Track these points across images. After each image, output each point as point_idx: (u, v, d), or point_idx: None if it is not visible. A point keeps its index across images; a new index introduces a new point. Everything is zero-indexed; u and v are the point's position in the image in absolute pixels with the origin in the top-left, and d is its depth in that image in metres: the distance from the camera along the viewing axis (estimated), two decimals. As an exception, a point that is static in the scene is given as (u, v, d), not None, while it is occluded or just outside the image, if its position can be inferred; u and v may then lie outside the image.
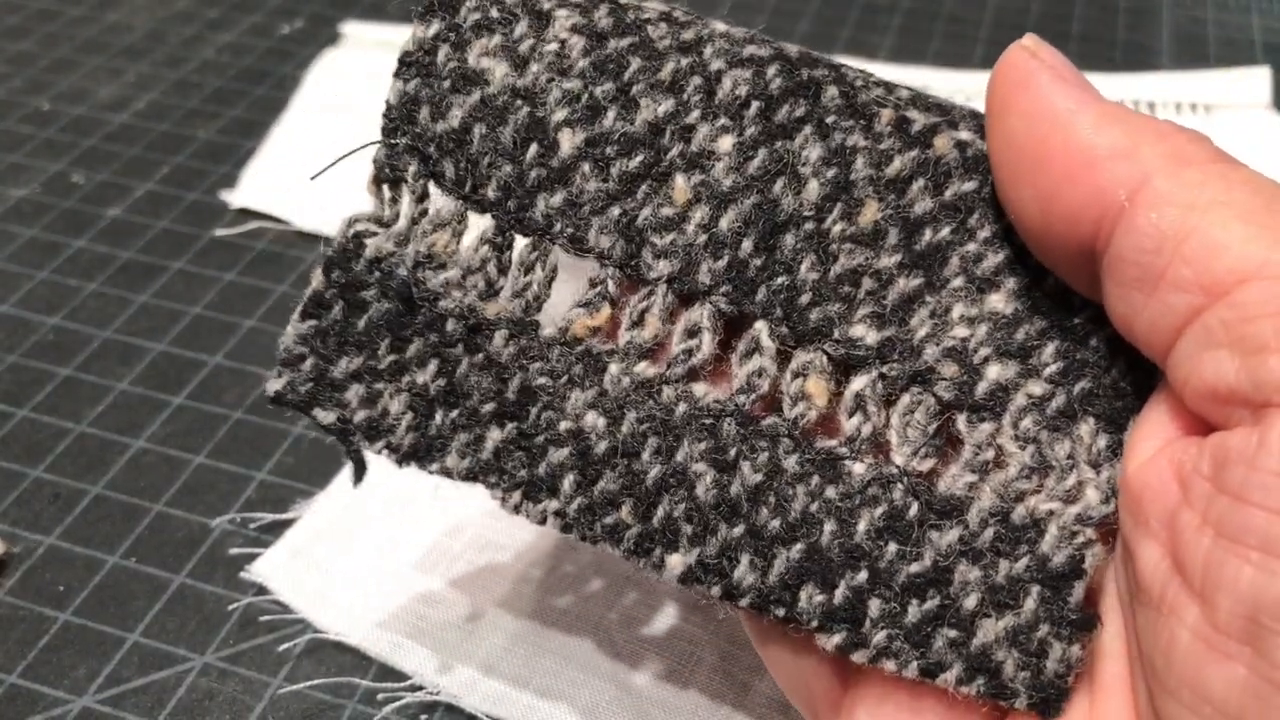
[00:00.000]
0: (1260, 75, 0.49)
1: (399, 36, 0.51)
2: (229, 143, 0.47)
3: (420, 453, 0.22)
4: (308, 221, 0.43)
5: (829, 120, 0.21)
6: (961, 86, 0.49)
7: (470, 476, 0.22)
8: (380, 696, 0.28)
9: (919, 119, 0.21)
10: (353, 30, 0.53)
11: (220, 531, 0.32)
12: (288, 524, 0.32)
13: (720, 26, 0.22)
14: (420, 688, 0.28)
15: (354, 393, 0.22)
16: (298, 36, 0.54)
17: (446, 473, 0.22)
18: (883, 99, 0.21)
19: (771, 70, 0.21)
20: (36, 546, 0.31)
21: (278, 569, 0.30)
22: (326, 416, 0.22)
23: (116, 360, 0.37)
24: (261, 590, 0.30)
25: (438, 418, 0.22)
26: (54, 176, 0.45)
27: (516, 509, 0.21)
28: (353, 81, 0.50)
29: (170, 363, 0.37)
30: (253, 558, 0.31)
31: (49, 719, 0.27)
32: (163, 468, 0.33)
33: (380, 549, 0.31)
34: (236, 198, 0.44)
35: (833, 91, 0.21)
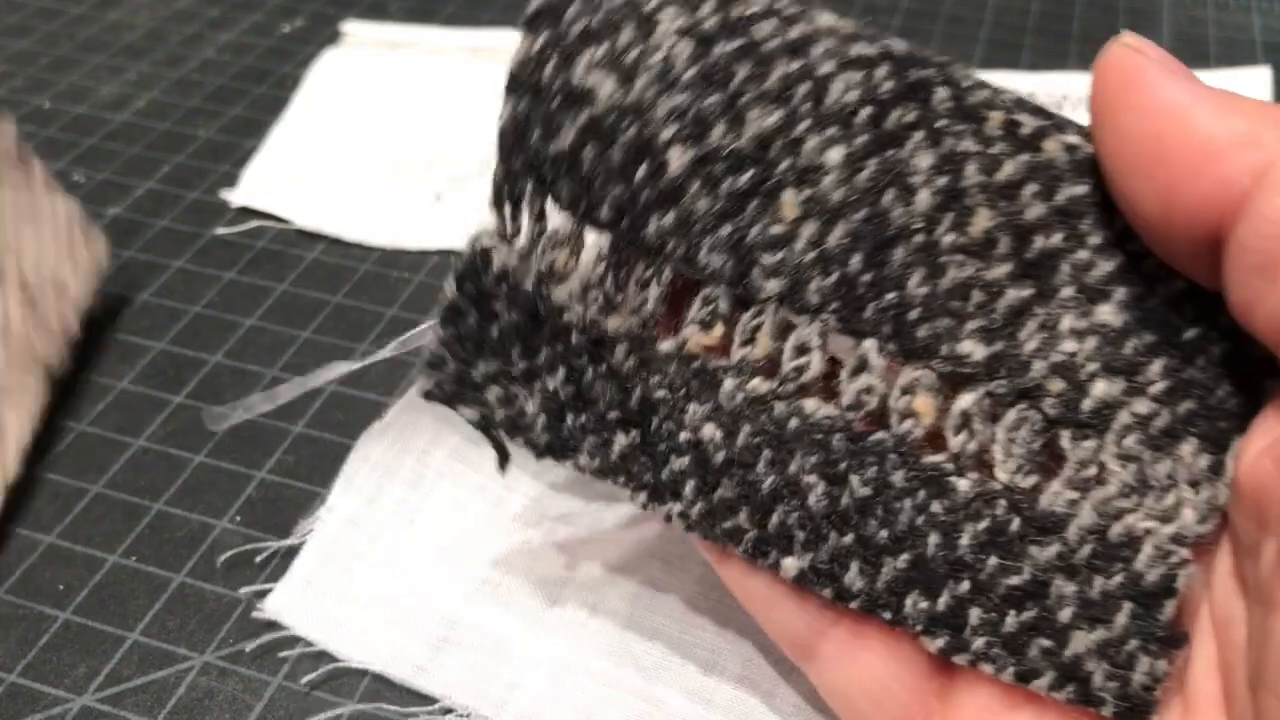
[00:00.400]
0: (1261, 75, 0.49)
1: (400, 35, 0.51)
2: (230, 142, 0.47)
3: (556, 449, 0.23)
4: (309, 220, 0.43)
5: (939, 125, 0.21)
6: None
7: (601, 475, 0.23)
8: None
9: (1028, 121, 0.21)
10: (354, 29, 0.53)
11: (221, 530, 0.32)
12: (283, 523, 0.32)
13: (826, 21, 0.21)
14: (450, 710, 0.27)
15: (493, 393, 0.23)
16: (298, 35, 0.54)
17: (580, 470, 0.23)
18: (991, 101, 0.21)
19: (880, 72, 0.21)
20: (37, 545, 0.31)
21: (290, 604, 0.30)
22: (470, 414, 0.24)
23: (117, 359, 0.37)
24: (262, 592, 0.30)
25: (569, 420, 0.23)
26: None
27: (644, 507, 0.23)
28: (354, 80, 0.50)
29: (170, 362, 0.37)
30: (256, 580, 0.31)
31: (48, 718, 0.27)
32: (163, 467, 0.33)
33: (392, 567, 0.30)
34: (237, 196, 0.44)
35: (942, 94, 0.21)
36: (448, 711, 0.28)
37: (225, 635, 0.29)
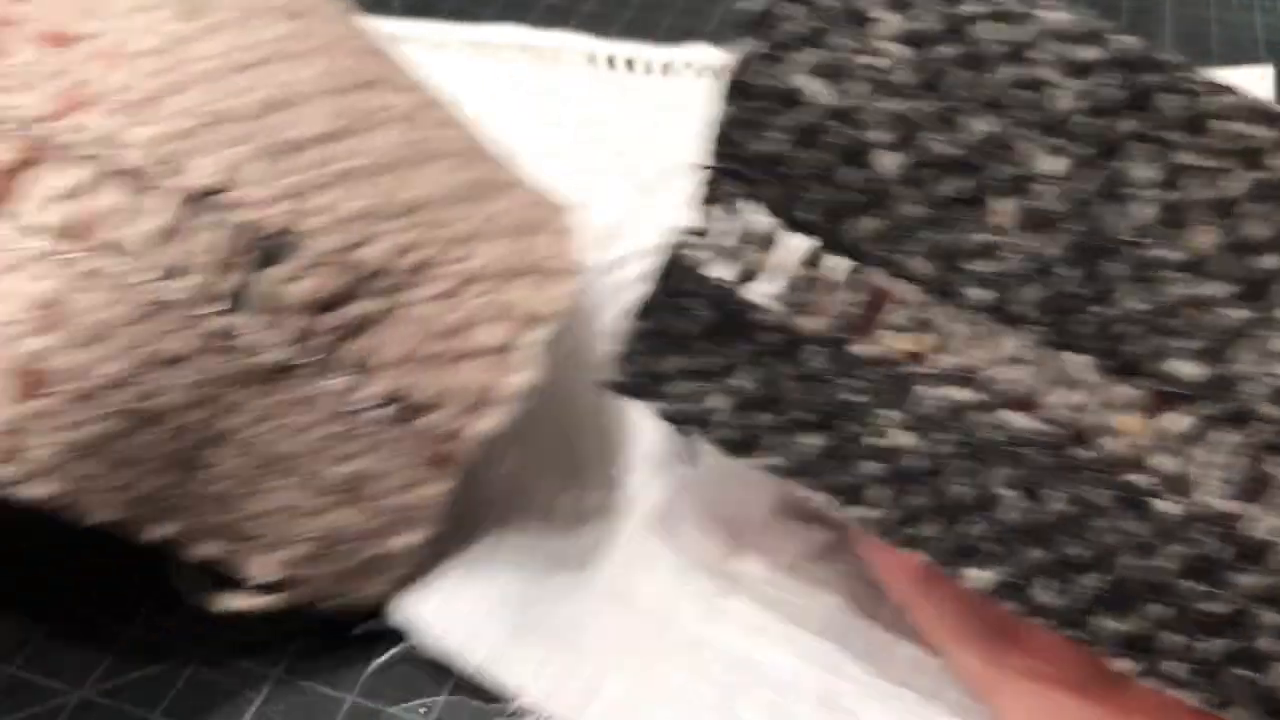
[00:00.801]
0: (1264, 74, 0.49)
1: (401, 30, 0.51)
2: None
3: (742, 447, 0.23)
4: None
5: (1164, 136, 0.20)
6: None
7: (788, 475, 0.22)
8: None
9: (1259, 135, 0.20)
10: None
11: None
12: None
13: (1051, 19, 0.21)
14: (524, 712, 0.27)
15: (682, 389, 0.23)
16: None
17: (766, 469, 0.23)
18: (1221, 109, 0.20)
19: (1106, 79, 0.20)
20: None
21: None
22: (657, 408, 0.24)
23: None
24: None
25: (757, 419, 0.23)
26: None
27: (832, 510, 0.22)
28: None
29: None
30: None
31: (47, 709, 0.27)
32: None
33: (475, 564, 0.29)
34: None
35: (1170, 102, 0.20)
36: (525, 714, 0.27)
37: (225, 629, 0.29)
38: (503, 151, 0.30)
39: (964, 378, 0.22)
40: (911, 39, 0.21)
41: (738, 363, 0.23)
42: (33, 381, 0.23)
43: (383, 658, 0.28)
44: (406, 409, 0.26)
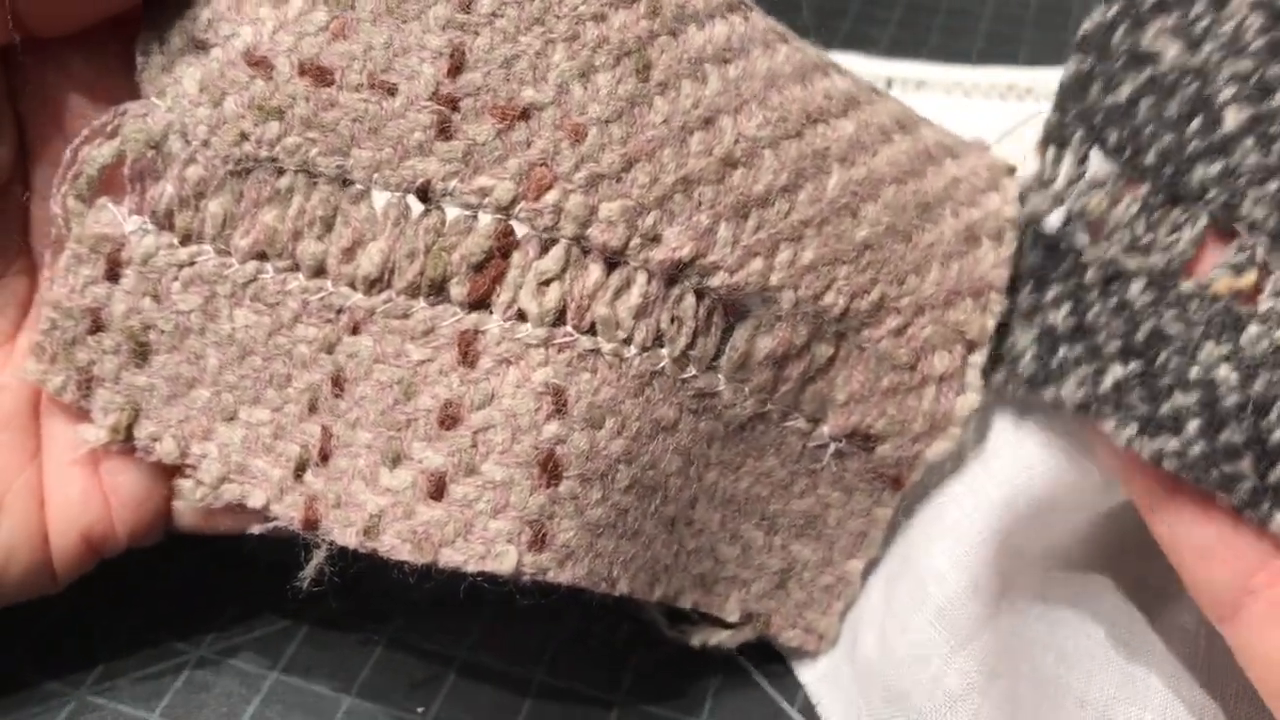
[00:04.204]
0: None
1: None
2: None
3: (1040, 379, 0.24)
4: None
5: None
6: (960, 80, 0.49)
7: (1083, 408, 0.23)
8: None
9: None
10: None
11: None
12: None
13: None
14: None
15: (1022, 336, 0.25)
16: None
17: (1059, 402, 0.24)
18: None
19: None
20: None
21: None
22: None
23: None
24: (249, 580, 0.30)
25: (1060, 352, 0.24)
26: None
27: (1129, 443, 0.23)
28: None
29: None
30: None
31: (46, 709, 0.27)
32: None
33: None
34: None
35: None
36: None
37: (222, 629, 0.29)
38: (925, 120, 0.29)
39: None
40: (1267, 9, 0.22)
41: (1053, 300, 0.24)
42: (551, 468, 0.23)
43: (380, 659, 0.29)
44: (864, 441, 0.26)
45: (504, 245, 0.23)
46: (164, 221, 0.25)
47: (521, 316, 0.23)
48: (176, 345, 0.25)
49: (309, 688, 0.28)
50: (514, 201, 0.23)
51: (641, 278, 0.24)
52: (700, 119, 0.24)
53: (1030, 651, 0.27)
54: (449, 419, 0.23)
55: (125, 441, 0.26)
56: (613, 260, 0.24)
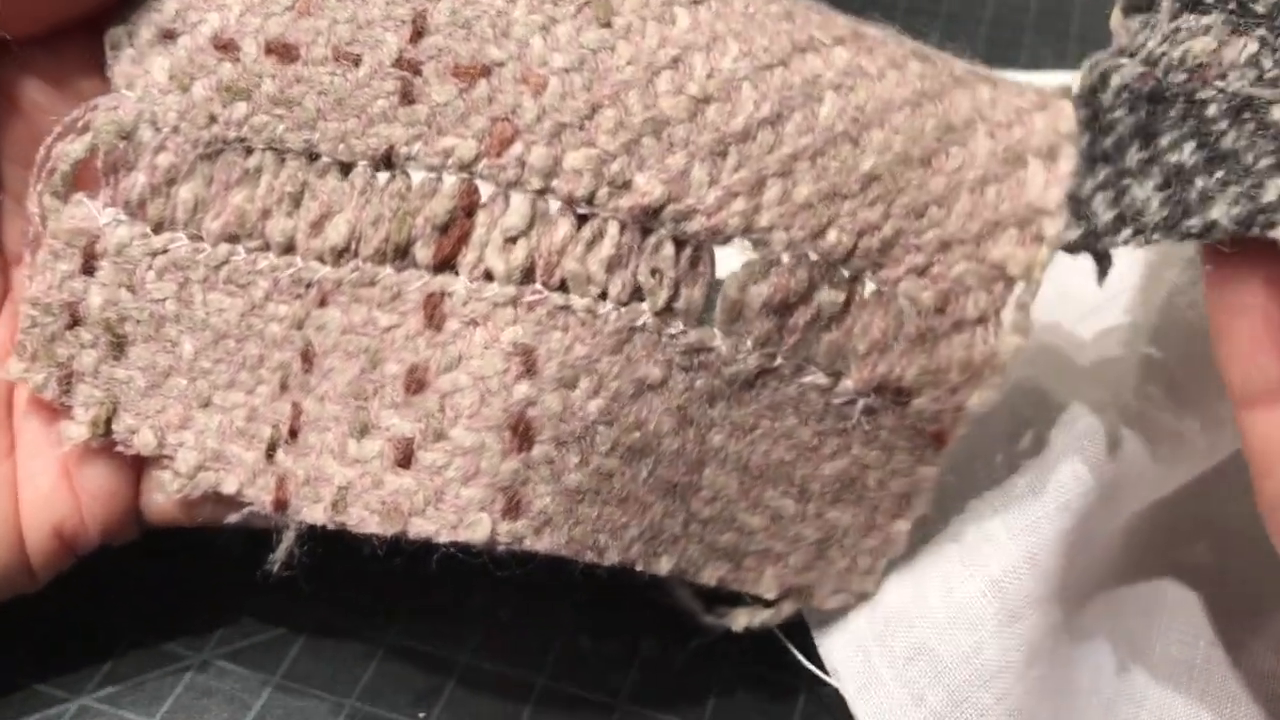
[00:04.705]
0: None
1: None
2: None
3: (1174, 220, 0.22)
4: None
5: None
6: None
7: (1244, 223, 0.22)
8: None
9: None
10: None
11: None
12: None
13: None
14: None
15: (1101, 200, 0.23)
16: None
17: (1209, 227, 0.22)
18: None
19: None
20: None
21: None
22: (1070, 235, 0.23)
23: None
24: (255, 588, 0.30)
25: (1199, 183, 0.22)
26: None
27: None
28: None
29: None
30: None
31: (47, 715, 0.27)
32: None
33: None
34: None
35: None
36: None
37: (224, 633, 0.29)
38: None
39: None
40: None
41: (1171, 145, 0.23)
42: (523, 431, 0.22)
43: (381, 664, 0.29)
44: (896, 395, 0.24)
45: (468, 204, 0.23)
46: (137, 211, 0.25)
47: (489, 277, 0.23)
48: (153, 335, 0.25)
49: (310, 693, 0.28)
50: (477, 159, 0.23)
51: (613, 229, 0.23)
52: (668, 58, 0.23)
53: (1078, 651, 0.27)
54: (415, 384, 0.23)
55: (105, 436, 0.26)
56: (583, 214, 0.23)
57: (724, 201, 0.23)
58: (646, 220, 0.23)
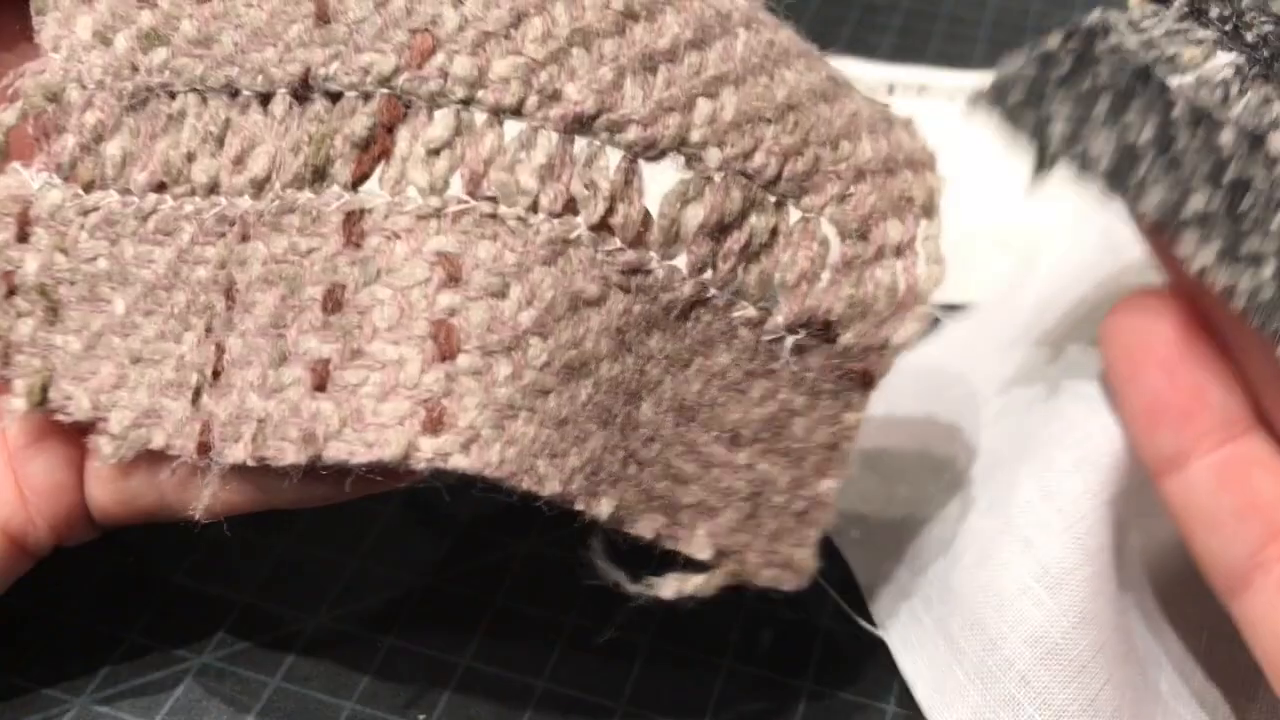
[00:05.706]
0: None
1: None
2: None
3: (1116, 182, 0.23)
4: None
5: None
6: (961, 85, 0.49)
7: (1161, 225, 0.22)
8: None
9: None
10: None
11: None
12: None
13: None
14: None
15: (1058, 128, 0.23)
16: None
17: (1138, 214, 0.23)
18: None
19: None
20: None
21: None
22: (1025, 125, 0.24)
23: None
24: (255, 591, 0.30)
25: (1141, 168, 0.23)
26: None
27: (1204, 272, 0.22)
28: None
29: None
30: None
31: (47, 717, 0.27)
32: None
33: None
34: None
35: None
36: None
37: (223, 636, 0.29)
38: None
39: None
40: None
41: (1136, 120, 0.23)
42: (445, 340, 0.21)
43: (381, 667, 0.29)
44: (822, 329, 0.24)
45: (389, 120, 0.22)
46: (69, 173, 0.25)
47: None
48: (86, 296, 0.25)
49: (310, 695, 0.28)
50: (396, 72, 0.22)
51: (544, 138, 0.22)
52: None
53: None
54: (333, 303, 0.22)
55: (40, 405, 0.25)
56: (520, 121, 0.22)
57: (657, 114, 0.22)
58: (579, 130, 0.22)
